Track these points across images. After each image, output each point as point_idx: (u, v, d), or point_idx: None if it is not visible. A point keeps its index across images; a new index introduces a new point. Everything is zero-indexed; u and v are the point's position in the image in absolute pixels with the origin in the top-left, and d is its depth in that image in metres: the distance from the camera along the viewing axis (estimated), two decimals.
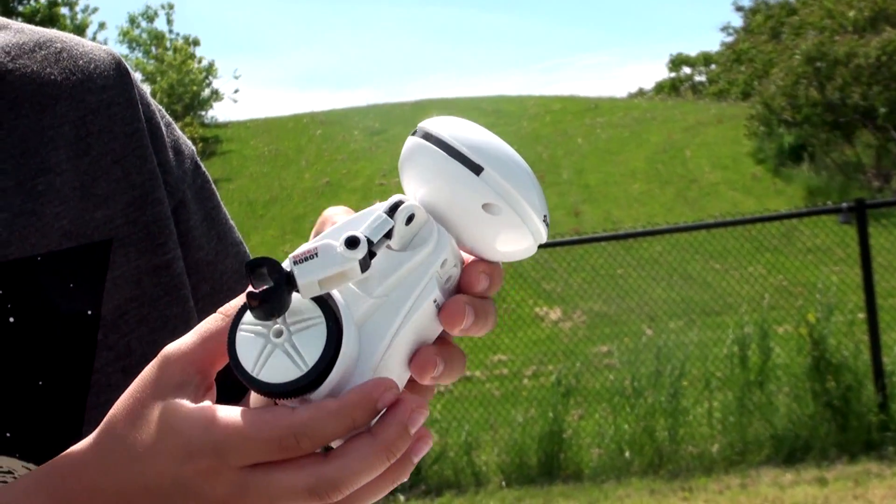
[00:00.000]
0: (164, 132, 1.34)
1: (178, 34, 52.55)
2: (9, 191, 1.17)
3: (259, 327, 0.92)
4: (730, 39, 59.11)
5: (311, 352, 0.90)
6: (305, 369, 0.90)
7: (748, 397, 10.31)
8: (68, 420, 1.17)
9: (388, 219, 0.96)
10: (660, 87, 71.84)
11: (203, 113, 47.91)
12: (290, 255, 0.91)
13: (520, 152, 1.01)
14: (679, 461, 9.98)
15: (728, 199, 26.59)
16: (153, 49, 51.96)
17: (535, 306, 17.62)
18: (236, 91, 56.93)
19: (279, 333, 0.91)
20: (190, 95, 47.21)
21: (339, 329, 0.91)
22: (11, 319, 1.14)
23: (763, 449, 9.88)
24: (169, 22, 55.33)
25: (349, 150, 37.90)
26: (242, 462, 0.88)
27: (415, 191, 1.03)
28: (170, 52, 50.42)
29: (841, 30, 28.05)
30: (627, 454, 10.16)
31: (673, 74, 74.93)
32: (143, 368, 1.03)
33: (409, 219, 0.98)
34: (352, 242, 0.91)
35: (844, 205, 10.85)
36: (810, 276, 14.12)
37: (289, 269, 0.90)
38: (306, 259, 0.90)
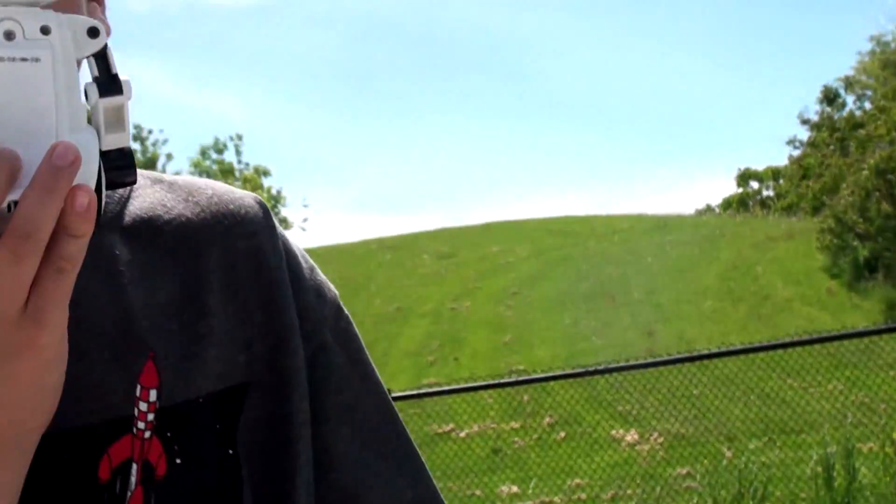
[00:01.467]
0: (307, 276, 1.39)
1: (247, 164, 53.21)
2: (174, 334, 1.24)
3: None
4: (797, 153, 58.98)
5: None
6: None
7: None
8: None
9: None
10: (728, 203, 71.81)
11: None
12: None
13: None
14: None
15: (803, 315, 26.37)
16: (223, 179, 52.74)
17: (611, 429, 17.47)
18: (305, 220, 57.41)
19: None
20: None
21: None
22: (178, 461, 1.20)
23: None
24: (238, 153, 56.06)
25: (418, 275, 38.05)
26: None
27: None
28: (238, 183, 51.07)
29: None
30: None
31: (740, 189, 74.83)
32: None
33: None
34: None
35: None
36: (893, 392, 13.90)
37: None
38: None
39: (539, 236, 41.19)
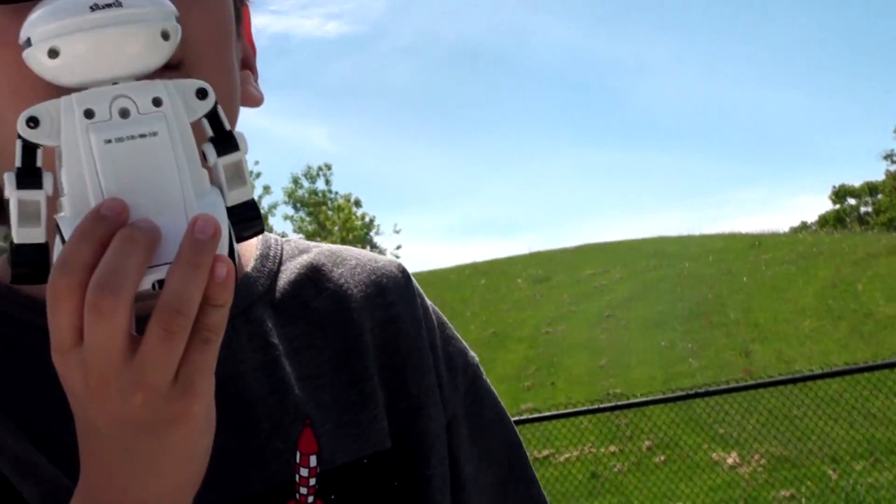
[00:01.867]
0: (444, 346, 1.46)
1: (337, 193, 53.70)
2: (328, 402, 1.32)
3: None
4: (894, 168, 58.32)
5: None
6: None
7: None
8: None
9: None
10: (824, 220, 71.38)
11: None
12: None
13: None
14: None
15: None
16: (315, 209, 53.14)
17: (711, 451, 17.35)
18: (398, 247, 57.67)
19: None
20: None
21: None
22: None
23: None
24: (327, 182, 56.58)
25: (514, 299, 38.17)
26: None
27: None
28: (331, 212, 51.54)
29: None
30: None
31: (836, 206, 74.27)
32: None
33: None
34: None
35: None
36: None
37: None
38: None
39: (633, 258, 41.18)
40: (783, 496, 14.18)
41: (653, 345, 28.69)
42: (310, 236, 50.68)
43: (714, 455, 17.25)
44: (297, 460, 1.26)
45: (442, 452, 1.39)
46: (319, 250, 1.47)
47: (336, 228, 50.01)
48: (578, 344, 30.70)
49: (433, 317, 1.48)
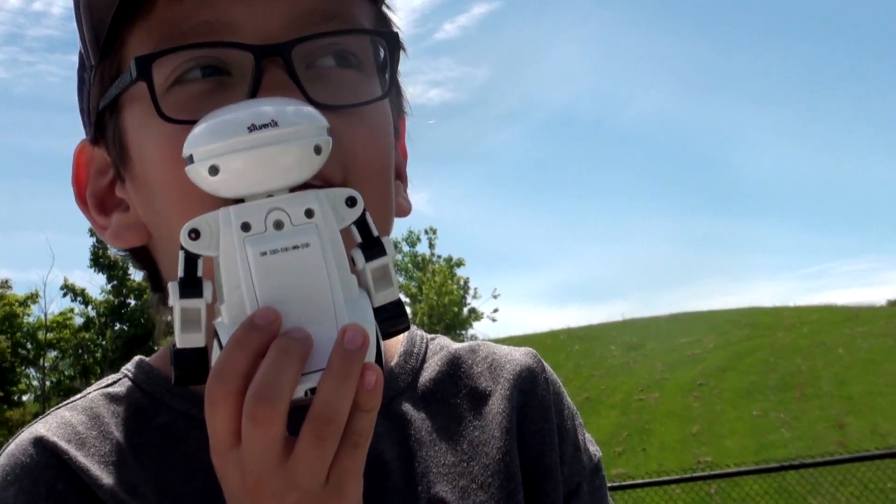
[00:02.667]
0: (571, 431, 1.51)
1: (439, 256, 53.96)
2: (465, 487, 1.37)
3: None
4: None
5: None
6: None
7: None
8: None
9: None
10: None
11: (462, 332, 48.83)
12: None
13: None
14: None
15: None
16: (415, 271, 53.36)
17: None
18: (495, 311, 57.80)
19: None
20: (450, 317, 48.28)
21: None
22: None
23: None
24: (431, 245, 56.87)
25: (607, 366, 38.10)
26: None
27: None
28: (429, 274, 51.76)
29: None
30: None
31: None
32: None
33: None
34: None
35: None
36: None
37: None
38: None
39: (727, 328, 40.90)
40: None
41: (745, 414, 28.47)
42: (410, 298, 50.95)
43: None
44: None
45: None
46: (460, 347, 1.52)
47: (432, 293, 50.24)
48: (670, 411, 30.56)
49: (566, 407, 1.53)
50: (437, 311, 47.37)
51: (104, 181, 1.34)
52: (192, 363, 1.07)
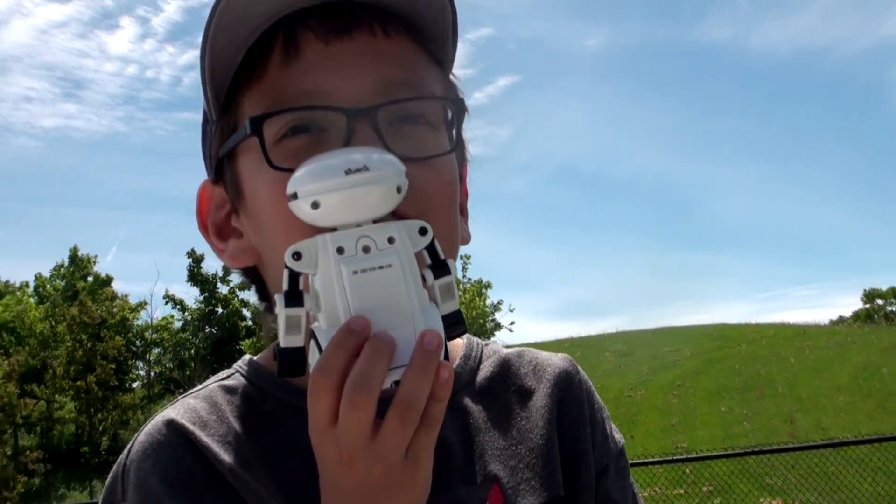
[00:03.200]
0: (600, 423, 1.47)
1: (469, 279, 53.44)
2: (512, 466, 1.33)
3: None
4: None
5: None
6: None
7: None
8: None
9: None
10: (857, 316, 69.61)
11: (486, 339, 48.29)
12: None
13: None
14: None
15: None
16: None
17: (759, 497, 17.03)
18: (512, 323, 57.23)
19: None
20: (476, 328, 47.91)
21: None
22: None
23: None
24: (464, 269, 56.35)
25: (602, 369, 37.58)
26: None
27: None
28: (466, 293, 51.23)
29: None
30: None
31: (867, 305, 72.49)
32: None
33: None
34: None
35: None
36: None
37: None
38: None
39: (700, 340, 40.35)
40: None
41: (714, 409, 28.18)
42: None
43: (762, 500, 16.97)
44: None
45: (591, 497, 1.40)
46: (509, 352, 1.48)
47: (462, 308, 49.51)
48: (653, 406, 30.19)
49: (593, 401, 1.48)
50: (466, 323, 46.73)
51: (222, 213, 1.30)
52: (293, 359, 1.06)
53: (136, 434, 1.26)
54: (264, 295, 1.35)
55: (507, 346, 1.53)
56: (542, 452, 1.36)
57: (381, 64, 1.18)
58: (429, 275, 1.10)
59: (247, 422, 1.26)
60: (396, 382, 1.01)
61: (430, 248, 1.10)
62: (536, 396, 1.42)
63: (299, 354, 1.07)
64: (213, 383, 1.33)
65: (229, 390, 1.31)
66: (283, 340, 1.07)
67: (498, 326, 50.66)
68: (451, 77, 1.34)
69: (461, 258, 55.55)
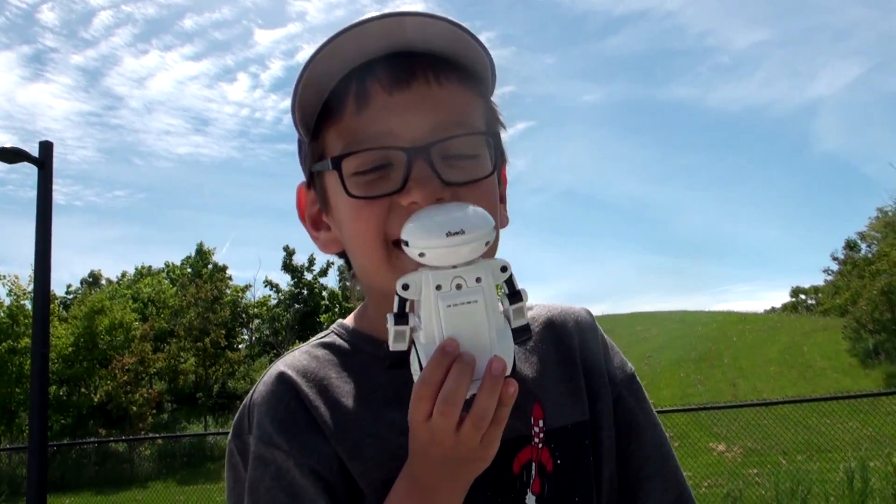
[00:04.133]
0: (613, 358, 1.40)
1: None
2: (550, 388, 1.29)
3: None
4: (830, 278, 56.39)
5: None
6: None
7: None
8: None
9: None
10: (785, 307, 69.24)
11: None
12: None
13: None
14: None
15: (833, 380, 25.10)
16: None
17: (709, 442, 16.90)
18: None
19: None
20: None
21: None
22: (559, 462, 1.24)
23: None
24: None
25: None
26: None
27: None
28: None
29: None
30: None
31: (793, 299, 72.04)
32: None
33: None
34: None
35: None
36: (891, 431, 13.10)
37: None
38: None
39: (666, 322, 40.27)
40: (752, 473, 13.79)
41: (675, 375, 28.03)
42: None
43: (710, 445, 16.84)
44: (532, 422, 1.23)
45: (610, 423, 1.33)
46: (539, 305, 1.42)
47: None
48: None
49: (606, 341, 1.42)
50: None
51: (314, 209, 1.27)
52: (398, 358, 1.07)
53: (256, 383, 1.25)
54: (349, 267, 1.30)
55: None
56: (572, 382, 1.32)
57: (434, 109, 1.14)
58: (505, 301, 1.09)
59: (340, 370, 1.24)
60: (474, 396, 1.01)
61: (508, 281, 1.08)
62: (565, 336, 1.36)
63: (404, 356, 1.07)
64: (314, 341, 1.30)
65: (326, 346, 1.28)
66: (392, 346, 1.07)
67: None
68: (492, 102, 1.29)
69: None
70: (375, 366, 1.22)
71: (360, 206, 1.11)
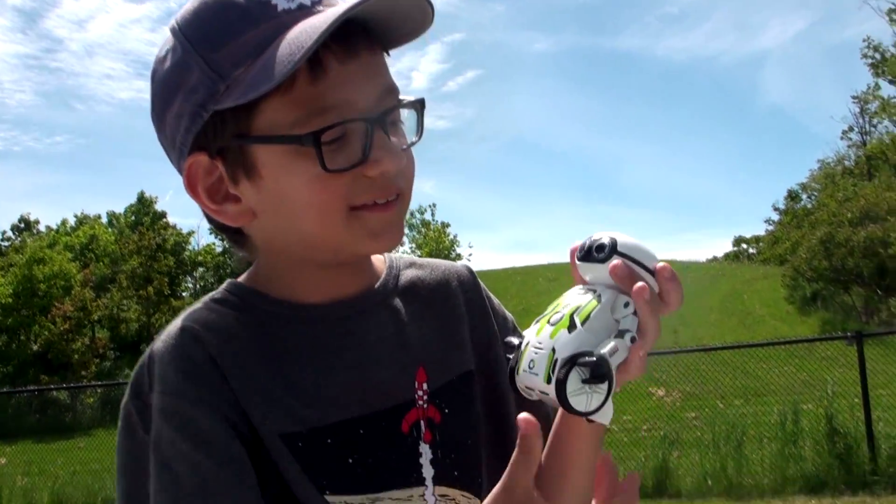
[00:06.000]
0: (498, 310, 1.41)
1: (437, 221, 53.59)
2: (434, 350, 1.26)
3: (583, 386, 1.00)
4: (771, 228, 57.48)
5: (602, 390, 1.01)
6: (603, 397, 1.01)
7: (787, 450, 9.93)
8: (476, 462, 1.26)
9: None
10: (727, 256, 70.50)
11: None
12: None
13: None
14: (742, 489, 9.62)
15: (771, 326, 25.79)
16: (422, 230, 53.05)
17: (649, 387, 17.21)
18: (470, 255, 57.45)
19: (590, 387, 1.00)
20: (441, 258, 48.30)
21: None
22: (447, 411, 1.24)
23: (796, 484, 9.47)
24: (433, 214, 56.43)
25: (536, 290, 38.04)
26: None
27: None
28: (434, 232, 51.50)
29: (841, 224, 27.18)
30: (710, 482, 9.85)
31: (735, 248, 73.39)
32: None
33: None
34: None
35: (851, 333, 10.51)
36: (824, 375, 13.49)
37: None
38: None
39: None
40: (690, 417, 14.10)
41: None
42: (418, 246, 50.72)
43: (650, 389, 17.16)
44: (416, 387, 1.23)
45: (505, 366, 1.25)
46: (420, 262, 1.40)
47: (432, 243, 49.89)
48: None
49: (488, 294, 1.41)
50: (433, 256, 46.91)
51: (211, 180, 1.16)
52: (506, 354, 1.11)
53: (153, 341, 1.18)
54: (239, 244, 1.25)
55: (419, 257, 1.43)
56: (455, 337, 1.30)
57: (377, 77, 1.13)
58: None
59: (236, 325, 1.18)
60: None
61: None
62: (449, 296, 1.34)
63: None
64: (206, 298, 1.24)
65: (220, 301, 1.21)
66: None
67: (459, 257, 50.87)
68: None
69: (429, 206, 56.04)
70: (272, 321, 1.19)
71: (327, 177, 1.07)
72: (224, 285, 1.26)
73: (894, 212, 25.78)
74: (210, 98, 1.09)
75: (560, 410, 1.19)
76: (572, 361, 0.99)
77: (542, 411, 1.27)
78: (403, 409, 1.21)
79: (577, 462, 1.19)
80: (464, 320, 1.33)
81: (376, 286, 1.26)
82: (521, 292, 38.08)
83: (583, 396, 1.00)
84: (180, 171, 1.18)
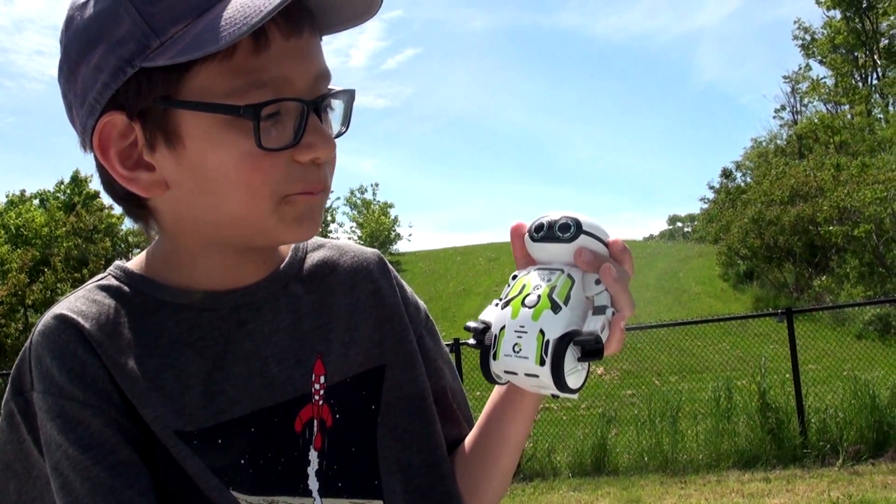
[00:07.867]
0: (410, 299, 1.35)
1: (379, 201, 53.35)
2: (334, 342, 1.20)
3: (577, 365, 1.01)
4: (706, 206, 58.50)
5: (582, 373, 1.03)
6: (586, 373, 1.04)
7: (721, 425, 10.11)
8: (370, 468, 1.21)
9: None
10: (662, 234, 71.51)
11: (389, 247, 48.53)
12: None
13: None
14: (678, 464, 9.77)
15: (706, 304, 26.19)
16: (363, 209, 52.78)
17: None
18: (410, 235, 57.53)
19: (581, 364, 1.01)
20: (382, 237, 48.03)
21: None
22: (338, 416, 1.18)
23: (730, 458, 9.65)
24: (374, 193, 56.12)
25: (476, 270, 38.05)
26: None
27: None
28: (374, 211, 51.27)
29: (772, 202, 27.71)
30: (646, 458, 9.99)
31: (671, 226, 74.52)
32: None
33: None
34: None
35: (780, 310, 10.71)
36: (757, 351, 13.79)
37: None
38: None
39: None
40: (628, 394, 14.31)
41: None
42: (358, 226, 50.47)
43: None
44: (313, 379, 1.17)
45: (420, 361, 1.29)
46: (329, 244, 1.33)
47: (372, 223, 49.67)
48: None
49: (400, 283, 1.35)
50: (374, 235, 46.99)
51: (124, 144, 1.06)
52: (477, 339, 1.07)
53: (32, 332, 1.09)
54: (139, 218, 1.16)
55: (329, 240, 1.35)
56: (358, 331, 1.24)
57: (315, 59, 1.06)
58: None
59: (120, 314, 1.10)
60: None
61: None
62: (357, 279, 1.28)
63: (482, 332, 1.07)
64: (91, 284, 1.15)
65: (104, 288, 1.13)
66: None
67: (399, 236, 50.75)
68: None
69: (371, 185, 55.81)
70: (160, 310, 1.11)
71: (260, 156, 1.00)
72: (110, 269, 1.18)
73: (823, 191, 26.36)
74: (139, 53, 0.99)
75: (500, 389, 1.23)
76: (567, 340, 0.99)
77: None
78: (298, 404, 1.15)
79: (515, 440, 1.22)
80: (372, 312, 1.27)
81: (278, 271, 1.19)
82: (462, 272, 38.11)
83: (576, 375, 1.00)
84: (86, 130, 1.07)
